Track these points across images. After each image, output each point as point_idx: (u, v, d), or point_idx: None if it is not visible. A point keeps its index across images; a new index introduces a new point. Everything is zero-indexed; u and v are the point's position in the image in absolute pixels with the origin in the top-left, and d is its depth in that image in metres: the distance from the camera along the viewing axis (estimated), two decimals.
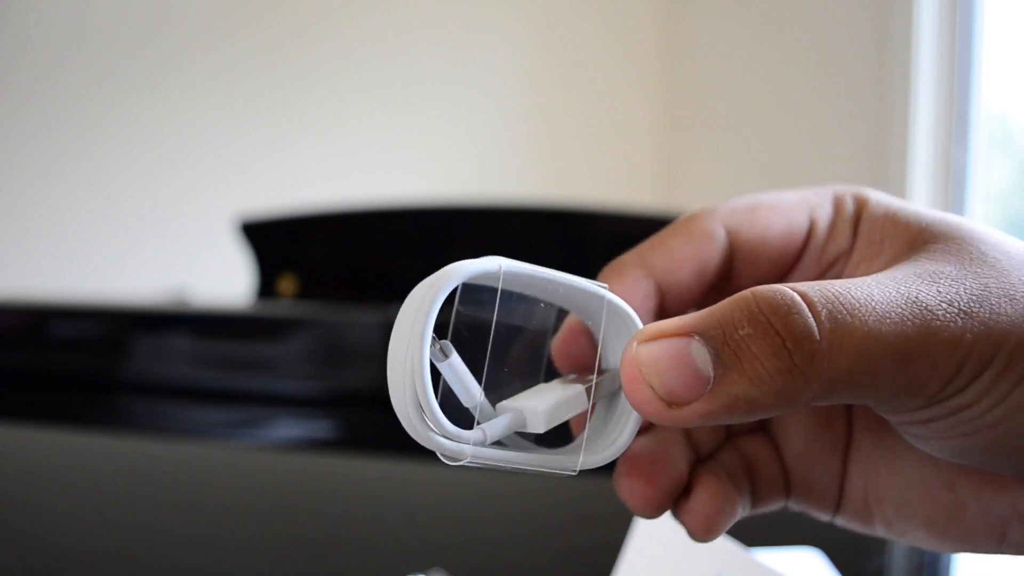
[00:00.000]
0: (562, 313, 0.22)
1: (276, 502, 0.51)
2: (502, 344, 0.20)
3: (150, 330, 0.74)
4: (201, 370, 0.71)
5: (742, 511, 0.22)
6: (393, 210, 1.14)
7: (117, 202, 1.73)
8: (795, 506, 0.23)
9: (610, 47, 2.32)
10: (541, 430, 0.19)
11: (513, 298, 0.20)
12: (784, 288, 0.17)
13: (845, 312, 0.17)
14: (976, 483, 0.20)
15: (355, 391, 0.64)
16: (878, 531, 0.22)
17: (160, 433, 0.66)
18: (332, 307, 0.81)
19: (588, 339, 0.22)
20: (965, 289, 0.17)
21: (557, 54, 2.26)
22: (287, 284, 1.16)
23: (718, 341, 0.17)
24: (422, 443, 0.18)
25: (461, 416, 0.19)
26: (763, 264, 0.22)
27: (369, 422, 0.62)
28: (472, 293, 0.19)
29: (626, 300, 0.20)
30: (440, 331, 0.18)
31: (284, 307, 1.09)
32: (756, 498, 0.22)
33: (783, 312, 0.17)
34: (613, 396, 0.21)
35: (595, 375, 0.20)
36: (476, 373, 0.19)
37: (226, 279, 1.51)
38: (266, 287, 1.17)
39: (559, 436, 0.20)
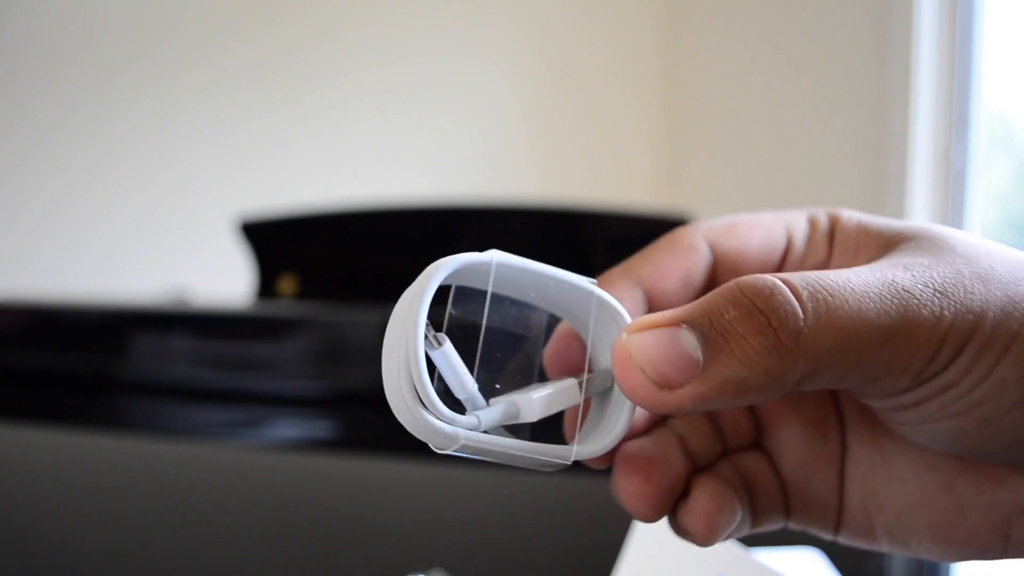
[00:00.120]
0: (554, 320, 0.22)
1: (276, 502, 0.51)
2: (495, 350, 0.20)
3: (150, 330, 0.74)
4: (201, 370, 0.71)
5: (742, 524, 0.21)
6: (393, 210, 1.14)
7: (117, 202, 1.73)
8: (796, 524, 0.22)
9: (610, 47, 2.32)
10: (535, 418, 0.20)
11: (506, 303, 0.21)
12: (765, 275, 0.18)
13: (826, 293, 0.17)
14: (974, 480, 0.20)
15: (355, 391, 0.64)
16: (883, 544, 0.21)
17: (160, 433, 0.66)
18: (332, 307, 0.81)
19: (580, 345, 0.22)
20: (939, 273, 0.18)
21: (557, 54, 2.26)
22: (287, 284, 1.16)
23: (705, 327, 0.17)
24: (414, 429, 0.18)
25: (455, 409, 0.19)
26: (745, 275, 0.23)
27: (369, 422, 0.62)
28: (464, 296, 0.20)
29: None
30: (435, 329, 0.19)
31: (284, 307, 1.09)
32: (755, 514, 0.22)
33: (766, 294, 0.17)
34: (606, 393, 0.21)
35: (586, 368, 0.21)
36: (470, 370, 0.20)
37: (226, 279, 1.51)
38: (266, 287, 1.17)
39: (552, 437, 0.21)
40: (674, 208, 2.19)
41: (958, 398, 0.18)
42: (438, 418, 0.18)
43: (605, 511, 0.44)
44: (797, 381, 0.17)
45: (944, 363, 0.18)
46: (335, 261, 1.20)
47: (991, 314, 0.18)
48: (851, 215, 0.23)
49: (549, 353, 0.22)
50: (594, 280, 0.21)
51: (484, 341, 0.20)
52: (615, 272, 0.23)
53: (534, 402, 0.20)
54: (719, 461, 0.22)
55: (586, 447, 0.20)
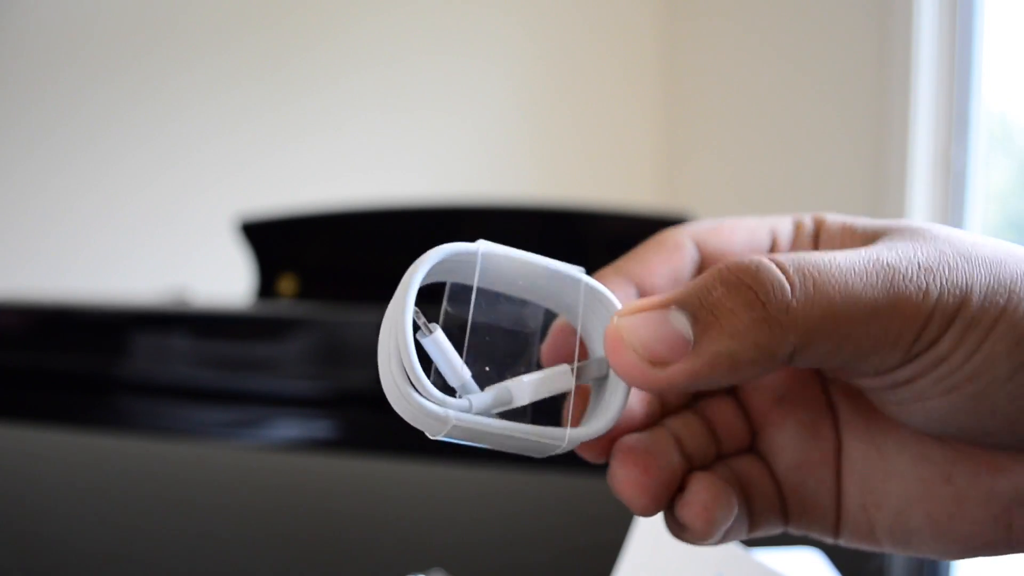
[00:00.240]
0: (550, 317, 0.23)
1: (276, 502, 0.51)
2: (493, 347, 0.21)
3: (150, 330, 0.74)
4: (201, 370, 0.71)
5: (739, 527, 0.21)
6: (393, 210, 1.14)
7: (117, 202, 1.73)
8: (796, 528, 0.22)
9: (610, 47, 2.32)
10: (526, 401, 0.20)
11: (501, 301, 0.21)
12: (752, 256, 0.18)
13: (813, 269, 0.18)
14: (972, 469, 0.20)
15: (355, 391, 0.64)
16: (884, 544, 0.21)
17: (160, 433, 0.66)
18: (332, 307, 0.81)
19: (575, 339, 0.22)
20: (923, 253, 0.18)
21: (557, 54, 2.26)
22: (287, 284, 1.16)
23: (694, 306, 0.18)
24: (406, 413, 0.19)
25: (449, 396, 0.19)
26: None
27: (369, 422, 0.62)
28: (461, 294, 0.20)
29: None
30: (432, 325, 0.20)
31: (284, 307, 1.09)
32: (752, 518, 0.21)
33: (752, 270, 0.18)
34: (602, 381, 0.21)
35: (576, 353, 0.21)
36: (467, 365, 0.20)
37: (226, 279, 1.51)
38: (266, 287, 1.17)
39: (550, 423, 0.21)
40: (674, 208, 2.19)
41: (950, 372, 0.18)
42: (428, 400, 0.18)
43: (605, 511, 0.44)
44: (788, 355, 0.17)
45: (933, 336, 0.18)
46: (335, 261, 1.20)
47: (977, 290, 0.18)
48: (836, 217, 0.23)
49: (546, 348, 0.22)
50: (583, 269, 0.21)
51: (483, 339, 0.20)
52: (607, 270, 0.23)
53: (524, 385, 0.20)
54: (714, 464, 0.22)
55: (580, 430, 0.20)
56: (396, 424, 0.21)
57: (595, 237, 1.11)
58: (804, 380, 0.23)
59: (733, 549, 0.32)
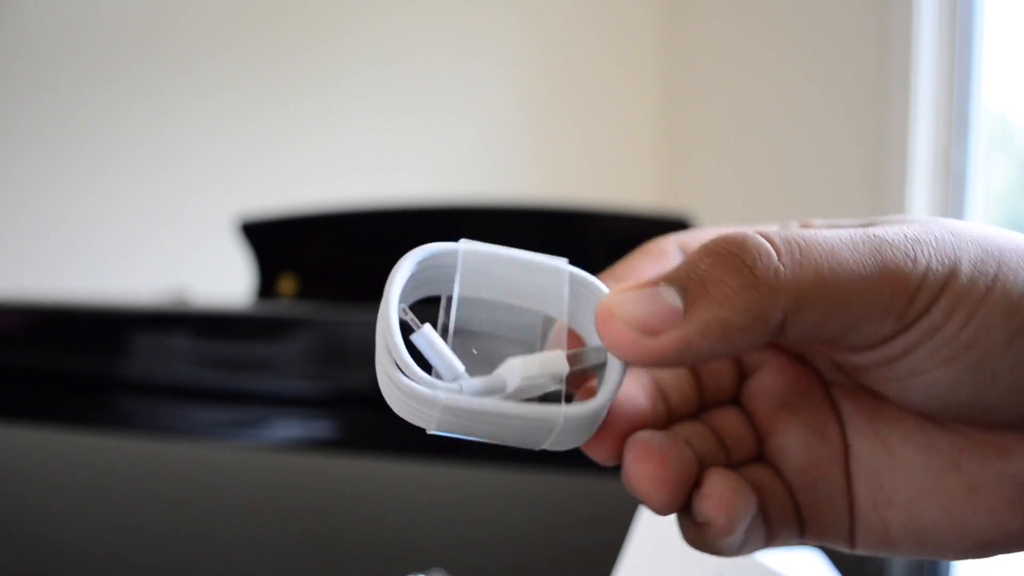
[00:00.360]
0: (549, 323, 0.22)
1: (276, 502, 0.51)
2: (491, 354, 0.21)
3: (150, 330, 0.74)
4: (201, 370, 0.71)
5: (757, 537, 0.21)
6: (393, 210, 1.14)
7: (117, 202, 1.73)
8: (812, 538, 0.22)
9: (610, 47, 2.32)
10: (517, 380, 0.19)
11: (500, 309, 0.21)
12: (738, 230, 0.19)
13: (800, 239, 0.18)
14: (980, 454, 0.20)
15: (355, 391, 0.64)
16: (901, 546, 0.21)
17: (160, 433, 0.66)
18: (332, 307, 0.81)
19: (576, 340, 0.22)
20: (911, 229, 0.19)
21: (557, 54, 2.26)
22: (287, 284, 1.16)
23: (683, 279, 0.18)
24: (399, 404, 0.19)
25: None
26: None
27: (369, 422, 0.62)
28: (470, 307, 0.21)
29: None
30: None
31: (284, 307, 1.09)
32: (769, 526, 0.21)
33: (739, 241, 0.18)
34: (598, 369, 0.21)
35: (565, 341, 0.21)
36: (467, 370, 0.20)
37: (226, 279, 1.51)
38: (266, 287, 1.17)
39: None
40: (674, 208, 2.19)
41: (945, 342, 0.18)
42: (417, 383, 0.18)
43: (605, 511, 0.44)
44: (779, 322, 0.18)
45: (926, 303, 0.18)
46: (335, 261, 1.20)
47: (966, 260, 0.18)
48: (823, 222, 0.23)
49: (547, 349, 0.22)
50: (566, 260, 0.21)
51: (484, 347, 0.21)
52: (600, 276, 0.23)
53: (514, 366, 0.20)
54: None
55: (575, 407, 0.19)
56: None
57: (595, 237, 1.11)
58: (806, 384, 0.23)
59: None
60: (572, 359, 0.20)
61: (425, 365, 0.19)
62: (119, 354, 0.73)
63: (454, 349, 0.20)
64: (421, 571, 0.36)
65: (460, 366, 0.19)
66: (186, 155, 1.79)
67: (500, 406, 0.19)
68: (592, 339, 0.21)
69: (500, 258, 0.21)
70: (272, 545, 0.43)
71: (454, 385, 0.19)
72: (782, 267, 0.17)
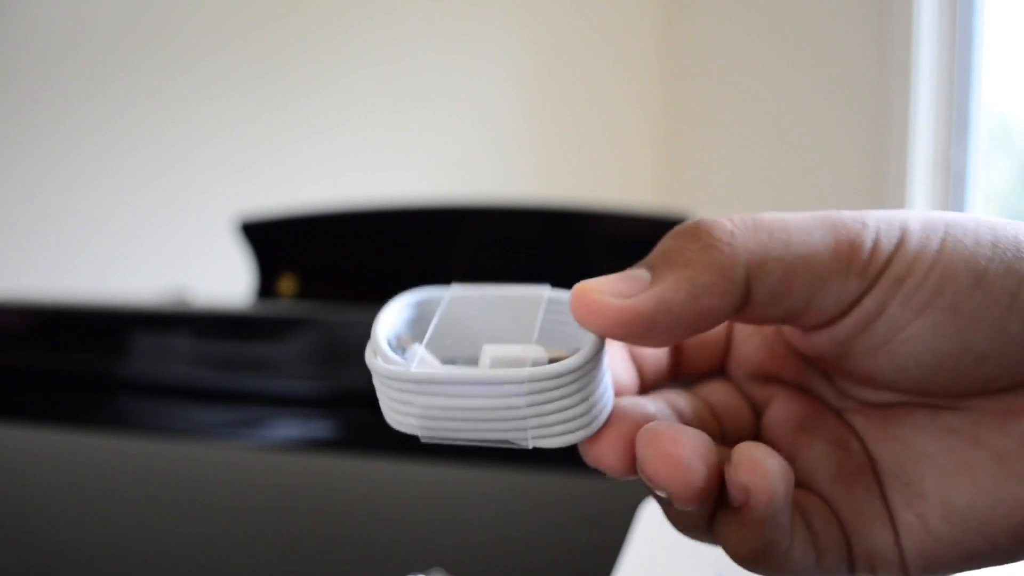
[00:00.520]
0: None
1: (276, 502, 0.51)
2: None
3: (150, 330, 0.74)
4: (201, 370, 0.71)
5: (806, 560, 0.20)
6: (393, 210, 1.14)
7: (117, 202, 1.73)
8: (862, 562, 0.21)
9: (610, 47, 2.32)
10: (487, 362, 0.20)
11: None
12: None
13: (752, 215, 0.19)
14: (996, 421, 0.19)
15: (355, 391, 0.64)
16: (951, 550, 0.20)
17: (160, 433, 0.66)
18: (332, 307, 0.81)
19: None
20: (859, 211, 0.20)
21: (557, 54, 2.26)
22: (287, 284, 1.16)
23: (649, 260, 0.19)
24: (383, 400, 0.20)
25: None
26: None
27: (369, 422, 0.62)
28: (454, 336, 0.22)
29: None
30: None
31: (284, 307, 1.09)
32: (816, 544, 0.20)
33: (695, 221, 0.19)
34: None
35: (536, 330, 0.21)
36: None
37: (226, 279, 1.51)
38: (266, 287, 1.17)
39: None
40: (674, 208, 2.19)
41: (914, 290, 0.18)
42: (393, 364, 0.19)
43: (605, 511, 0.44)
44: (744, 279, 0.18)
45: (885, 257, 0.19)
46: (335, 261, 1.20)
47: (914, 222, 0.19)
48: None
49: None
50: (548, 285, 0.22)
51: (433, 328, 0.22)
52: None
53: (487, 349, 0.20)
54: None
55: (541, 367, 0.19)
56: None
57: (595, 237, 1.11)
58: (817, 408, 0.23)
59: None
60: (552, 355, 0.20)
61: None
62: (119, 354, 0.73)
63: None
64: (421, 571, 0.36)
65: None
66: (186, 155, 1.79)
67: (466, 372, 0.19)
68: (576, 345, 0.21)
69: (485, 297, 0.22)
70: (272, 545, 0.43)
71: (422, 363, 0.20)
72: (737, 231, 0.19)
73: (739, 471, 0.19)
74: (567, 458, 0.22)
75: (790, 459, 0.22)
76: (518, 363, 0.19)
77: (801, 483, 0.22)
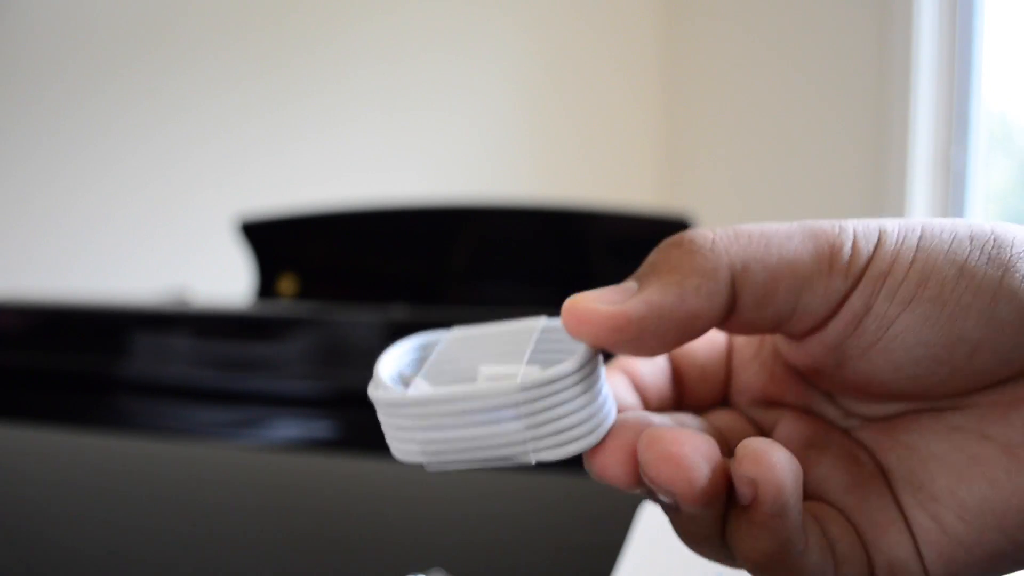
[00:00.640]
0: None
1: (276, 502, 0.51)
2: None
3: (150, 330, 0.74)
4: (201, 370, 0.71)
5: (825, 557, 0.20)
6: (393, 210, 1.14)
7: (117, 202, 1.73)
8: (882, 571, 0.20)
9: (610, 47, 2.32)
10: (484, 374, 0.20)
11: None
12: None
13: (732, 226, 0.20)
14: (1000, 413, 0.19)
15: (355, 391, 0.64)
16: (973, 552, 0.19)
17: (160, 433, 0.66)
18: (332, 307, 0.81)
19: None
20: None
21: (557, 54, 2.26)
22: (287, 284, 1.16)
23: (637, 274, 0.20)
24: (387, 430, 0.20)
25: None
26: None
27: (369, 422, 0.62)
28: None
29: None
30: None
31: (284, 307, 1.09)
32: (834, 552, 0.20)
33: (679, 234, 0.20)
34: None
35: (528, 352, 0.22)
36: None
37: (226, 279, 1.51)
38: (266, 287, 1.17)
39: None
40: (674, 208, 2.19)
41: (898, 283, 0.19)
42: (391, 391, 0.20)
43: (605, 511, 0.44)
44: (729, 280, 0.19)
45: (866, 256, 0.19)
46: (335, 261, 1.20)
47: (890, 226, 0.19)
48: None
49: None
50: (546, 316, 0.23)
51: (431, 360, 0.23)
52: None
53: (481, 371, 0.20)
54: None
55: (535, 375, 0.19)
56: None
57: (595, 237, 1.11)
58: (823, 426, 0.23)
59: None
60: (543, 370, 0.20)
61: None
62: (119, 354, 0.73)
63: None
64: (421, 571, 0.36)
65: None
66: (186, 155, 1.79)
67: (460, 389, 0.19)
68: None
69: (484, 333, 0.22)
70: (272, 545, 0.43)
71: (419, 388, 0.20)
72: (718, 238, 0.19)
73: (744, 464, 0.18)
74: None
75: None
76: (511, 379, 0.19)
77: (814, 496, 0.22)
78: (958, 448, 0.20)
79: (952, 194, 1.76)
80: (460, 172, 2.11)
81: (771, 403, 0.24)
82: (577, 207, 1.10)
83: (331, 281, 1.19)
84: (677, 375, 0.25)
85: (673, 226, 1.04)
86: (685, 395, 0.25)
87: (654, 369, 0.24)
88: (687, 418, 0.23)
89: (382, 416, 0.20)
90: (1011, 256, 0.19)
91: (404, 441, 0.20)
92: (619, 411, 0.21)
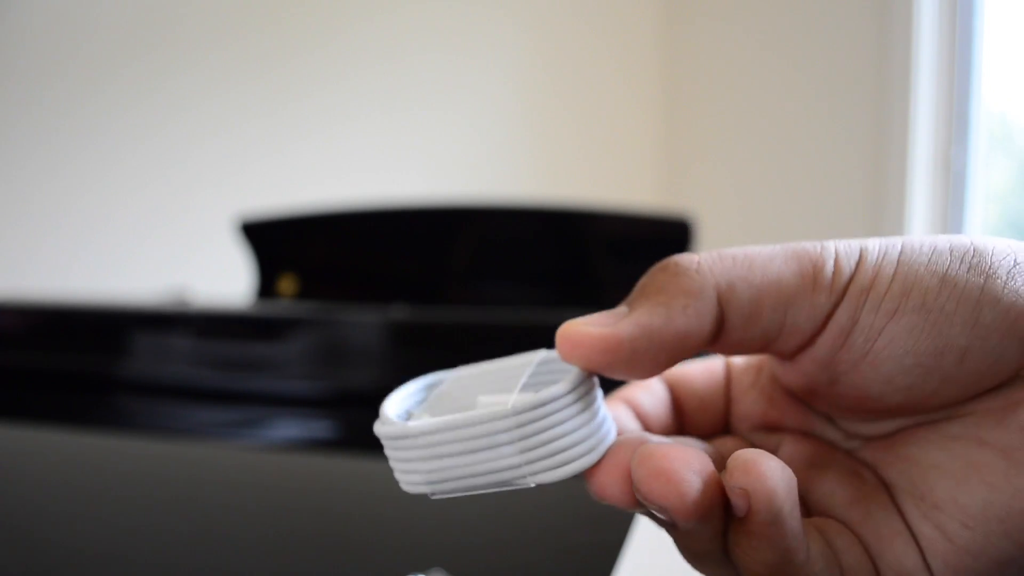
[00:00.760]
0: None
1: (276, 502, 0.51)
2: None
3: (150, 330, 0.74)
4: (201, 370, 0.71)
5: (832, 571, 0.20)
6: (393, 210, 1.14)
7: (117, 202, 1.73)
8: None
9: (610, 47, 2.32)
10: (478, 405, 0.21)
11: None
12: None
13: (718, 250, 0.20)
14: (995, 419, 0.19)
15: (355, 391, 0.64)
16: (980, 559, 0.19)
17: (160, 433, 0.66)
18: (332, 307, 0.81)
19: None
20: None
21: (557, 54, 2.26)
22: (287, 284, 1.16)
23: (627, 300, 0.20)
24: (394, 462, 0.21)
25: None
26: None
27: (369, 422, 0.62)
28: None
29: None
30: None
31: (284, 307, 1.09)
32: (842, 567, 0.20)
33: (665, 260, 0.20)
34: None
35: (522, 380, 0.22)
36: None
37: (226, 279, 1.51)
38: (266, 287, 1.17)
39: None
40: (674, 208, 2.19)
41: (881, 296, 0.19)
42: (392, 424, 0.20)
43: (605, 511, 0.44)
44: (715, 299, 0.19)
45: (848, 272, 0.19)
46: (335, 261, 1.20)
47: (870, 244, 0.20)
48: None
49: None
50: (540, 349, 0.23)
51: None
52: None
53: (478, 401, 0.21)
54: None
55: (525, 397, 0.19)
56: None
57: (595, 237, 1.11)
58: (826, 447, 0.23)
59: None
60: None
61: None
62: (119, 354, 0.73)
63: None
64: (421, 571, 0.36)
65: None
66: (186, 155, 1.79)
67: (455, 417, 0.19)
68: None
69: (487, 369, 0.23)
70: (272, 545, 0.43)
71: (418, 420, 0.20)
72: (703, 261, 0.20)
73: (735, 475, 0.18)
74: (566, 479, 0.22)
75: (804, 492, 0.22)
76: (504, 404, 0.20)
77: (818, 512, 0.22)
78: (956, 456, 0.20)
79: (952, 194, 1.76)
80: (460, 172, 2.11)
81: (772, 429, 0.25)
82: (577, 207, 1.10)
83: (331, 281, 1.19)
84: (677, 405, 0.25)
85: (673, 226, 1.04)
86: (686, 424, 0.25)
87: (654, 400, 0.25)
88: (691, 441, 0.23)
89: (387, 451, 0.21)
90: (991, 264, 0.19)
91: (408, 472, 0.20)
92: (619, 434, 0.22)
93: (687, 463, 0.18)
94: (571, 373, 0.20)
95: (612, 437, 0.21)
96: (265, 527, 0.46)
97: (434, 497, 0.20)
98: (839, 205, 1.91)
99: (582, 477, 0.21)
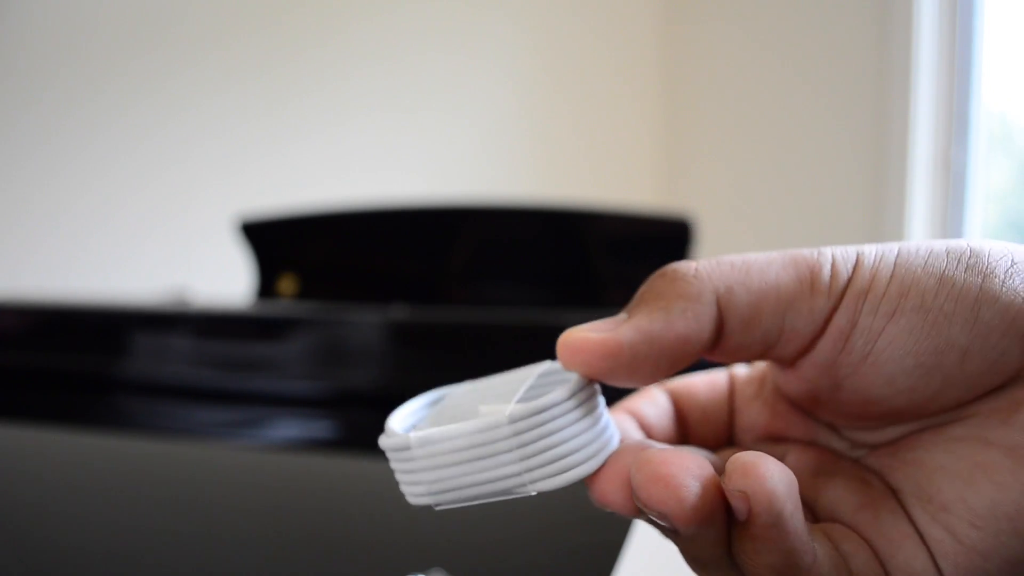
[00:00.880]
0: None
1: (276, 502, 0.51)
2: None
3: (150, 330, 0.74)
4: (201, 370, 0.71)
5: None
6: (393, 210, 1.14)
7: (117, 202, 1.73)
8: None
9: (610, 47, 2.32)
10: (480, 414, 0.21)
11: None
12: None
13: (716, 257, 0.21)
14: (999, 419, 0.19)
15: (355, 391, 0.64)
16: (991, 559, 0.19)
17: (160, 433, 0.66)
18: (332, 307, 0.81)
19: None
20: None
21: (557, 55, 2.26)
22: (287, 284, 1.16)
23: (626, 307, 0.20)
24: (399, 475, 0.21)
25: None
26: None
27: (369, 422, 0.62)
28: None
29: None
30: None
31: (284, 307, 1.09)
32: (850, 569, 0.20)
33: (664, 267, 0.21)
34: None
35: (523, 389, 0.22)
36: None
37: (226, 279, 1.51)
38: (266, 287, 1.17)
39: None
40: (674, 208, 2.19)
41: (879, 299, 0.19)
42: (395, 435, 0.20)
43: (605, 512, 0.44)
44: (714, 303, 0.19)
45: (846, 275, 0.19)
46: (335, 261, 1.20)
47: (867, 249, 0.20)
48: None
49: None
50: (549, 360, 0.23)
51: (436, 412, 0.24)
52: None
53: (479, 411, 0.21)
54: None
55: (522, 405, 0.19)
56: None
57: (595, 237, 1.11)
58: (831, 456, 0.23)
59: None
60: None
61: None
62: (119, 354, 0.73)
63: None
64: (421, 571, 0.36)
65: None
66: (186, 155, 1.79)
67: (454, 426, 0.19)
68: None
69: (491, 382, 0.24)
70: (272, 545, 0.43)
71: (421, 432, 0.21)
72: (701, 267, 0.20)
73: (733, 478, 0.18)
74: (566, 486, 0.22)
75: (811, 500, 0.22)
76: (502, 412, 0.20)
77: (826, 518, 0.21)
78: (962, 457, 0.20)
79: (952, 194, 1.76)
80: (460, 172, 2.11)
81: (777, 439, 0.25)
82: (577, 207, 1.10)
83: (331, 281, 1.19)
84: (680, 416, 0.25)
85: (673, 226, 1.04)
86: (689, 435, 0.25)
87: (658, 411, 0.25)
88: (695, 450, 0.23)
89: (392, 463, 0.21)
90: (988, 264, 0.19)
91: (411, 484, 0.21)
92: (622, 442, 0.22)
93: (685, 468, 0.18)
94: (570, 381, 0.20)
95: (614, 444, 0.21)
96: (265, 527, 0.46)
97: (438, 508, 0.20)
98: (839, 205, 1.91)
99: (584, 483, 0.20)
